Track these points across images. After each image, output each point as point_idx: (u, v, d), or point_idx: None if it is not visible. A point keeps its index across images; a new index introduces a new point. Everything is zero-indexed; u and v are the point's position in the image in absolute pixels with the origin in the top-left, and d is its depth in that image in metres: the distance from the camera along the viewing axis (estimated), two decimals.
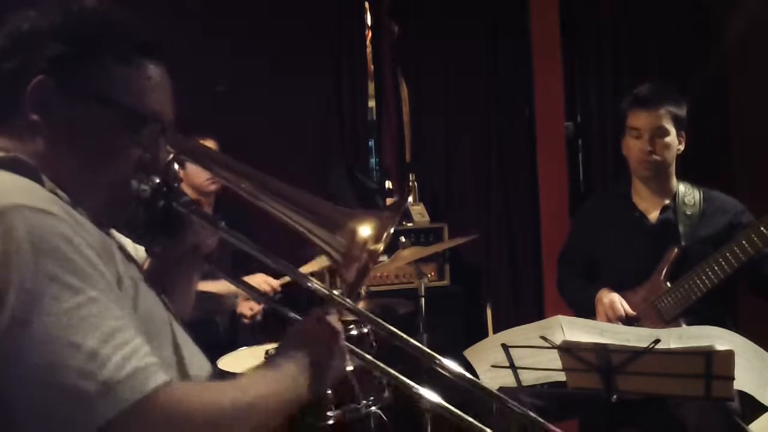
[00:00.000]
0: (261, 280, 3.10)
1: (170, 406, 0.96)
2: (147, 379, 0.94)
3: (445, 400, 1.27)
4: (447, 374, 1.26)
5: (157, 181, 1.20)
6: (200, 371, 1.19)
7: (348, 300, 1.25)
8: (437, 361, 1.26)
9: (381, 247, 1.18)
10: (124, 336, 0.95)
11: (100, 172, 1.13)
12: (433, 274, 3.61)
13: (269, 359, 1.19)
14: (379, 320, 1.26)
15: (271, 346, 2.53)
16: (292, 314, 1.30)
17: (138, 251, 1.32)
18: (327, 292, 1.24)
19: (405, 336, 1.26)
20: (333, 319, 1.22)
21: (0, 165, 1.05)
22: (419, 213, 3.72)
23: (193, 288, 1.39)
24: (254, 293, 1.35)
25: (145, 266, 1.31)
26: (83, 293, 0.95)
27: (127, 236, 1.27)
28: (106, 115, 1.12)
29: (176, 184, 1.25)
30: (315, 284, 1.24)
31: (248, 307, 3.18)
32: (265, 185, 1.27)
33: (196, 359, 1.20)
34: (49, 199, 1.02)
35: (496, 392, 1.27)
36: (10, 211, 0.95)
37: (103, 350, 0.92)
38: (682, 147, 2.70)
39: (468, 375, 1.27)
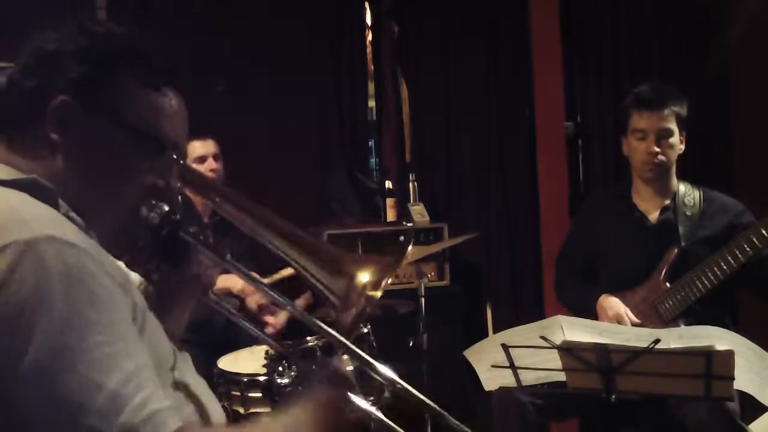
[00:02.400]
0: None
1: None
2: (163, 424, 0.94)
3: None
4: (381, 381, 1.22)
5: (166, 208, 1.20)
6: (207, 399, 1.19)
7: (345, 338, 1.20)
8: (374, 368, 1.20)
9: (379, 294, 1.16)
10: (143, 376, 0.96)
11: (114, 195, 1.14)
12: (433, 274, 3.60)
13: (284, 408, 1.17)
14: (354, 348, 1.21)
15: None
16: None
17: (130, 274, 1.32)
18: (328, 330, 1.20)
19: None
20: (346, 368, 1.19)
21: (19, 186, 1.04)
22: (419, 213, 3.72)
23: (186, 315, 1.38)
24: (268, 293, 1.33)
25: (141, 289, 1.30)
26: (108, 332, 0.95)
27: (127, 263, 1.26)
28: (125, 138, 1.12)
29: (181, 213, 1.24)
30: (316, 322, 1.21)
31: (254, 301, 3.14)
32: (267, 222, 1.26)
33: (200, 386, 1.20)
34: (72, 230, 1.02)
35: (436, 407, 1.23)
36: (41, 242, 0.95)
37: (123, 391, 0.92)
38: (683, 147, 2.69)
39: (402, 383, 1.20)
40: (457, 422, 1.20)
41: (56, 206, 1.05)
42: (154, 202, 1.18)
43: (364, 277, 1.17)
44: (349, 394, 1.19)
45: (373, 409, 1.22)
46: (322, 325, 1.19)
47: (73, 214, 1.07)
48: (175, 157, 1.18)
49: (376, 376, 1.18)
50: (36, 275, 0.92)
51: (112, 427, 0.90)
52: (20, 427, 0.91)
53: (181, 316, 1.36)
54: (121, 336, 0.96)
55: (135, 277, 1.32)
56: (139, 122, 1.12)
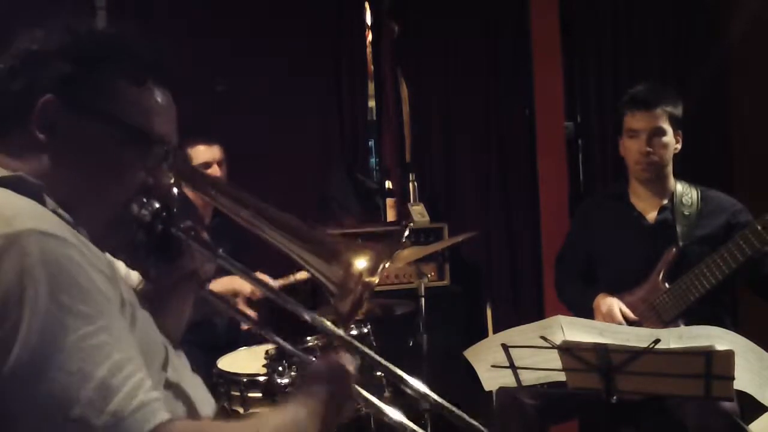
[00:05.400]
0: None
1: None
2: (152, 415, 0.94)
3: None
4: (413, 394, 1.24)
5: (157, 205, 1.19)
6: (200, 397, 1.19)
7: (342, 331, 1.22)
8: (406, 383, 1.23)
9: (376, 279, 1.17)
10: (131, 367, 0.95)
11: (103, 193, 1.13)
12: (433, 273, 3.60)
13: (284, 401, 1.17)
14: (359, 346, 1.23)
15: (270, 347, 2.53)
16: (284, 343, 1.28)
17: (129, 273, 1.32)
18: (328, 325, 1.22)
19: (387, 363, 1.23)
20: (347, 362, 1.20)
21: (4, 184, 1.04)
22: (419, 213, 3.72)
23: (186, 312, 1.38)
24: (264, 288, 1.35)
25: (139, 288, 1.31)
26: (94, 322, 0.94)
27: (123, 260, 1.26)
28: (113, 135, 1.12)
29: (175, 209, 1.24)
30: (312, 316, 1.22)
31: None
32: (264, 214, 1.27)
33: (194, 384, 1.20)
34: (56, 223, 1.01)
35: (467, 418, 1.24)
36: (23, 235, 0.94)
37: (112, 381, 0.92)
38: (679, 146, 2.70)
39: (435, 396, 1.23)
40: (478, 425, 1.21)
41: (42, 203, 1.05)
42: (145, 199, 1.18)
43: (360, 263, 1.18)
44: (353, 387, 1.19)
45: (380, 403, 1.23)
46: (329, 324, 1.20)
47: (61, 211, 1.06)
48: (165, 152, 1.18)
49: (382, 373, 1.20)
50: (19, 268, 0.92)
51: (100, 417, 0.90)
52: (8, 419, 0.91)
53: (181, 313, 1.36)
54: (108, 326, 0.96)
55: (134, 276, 1.32)
56: (126, 119, 1.12)
